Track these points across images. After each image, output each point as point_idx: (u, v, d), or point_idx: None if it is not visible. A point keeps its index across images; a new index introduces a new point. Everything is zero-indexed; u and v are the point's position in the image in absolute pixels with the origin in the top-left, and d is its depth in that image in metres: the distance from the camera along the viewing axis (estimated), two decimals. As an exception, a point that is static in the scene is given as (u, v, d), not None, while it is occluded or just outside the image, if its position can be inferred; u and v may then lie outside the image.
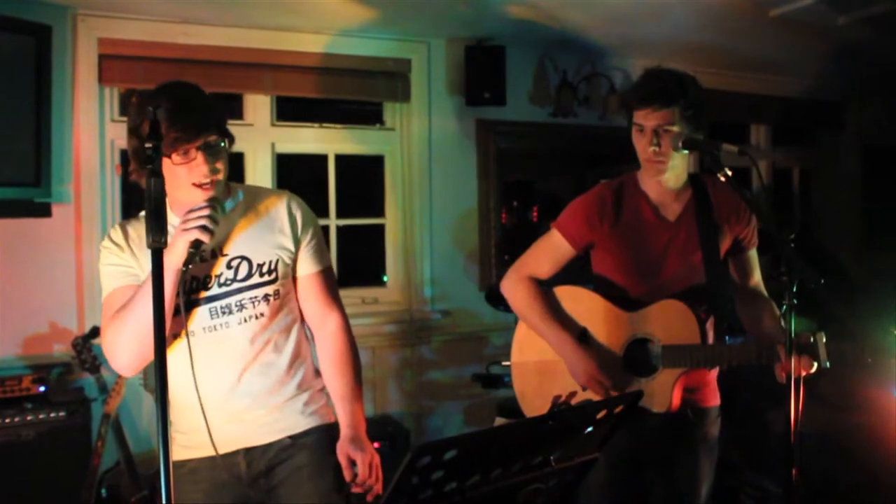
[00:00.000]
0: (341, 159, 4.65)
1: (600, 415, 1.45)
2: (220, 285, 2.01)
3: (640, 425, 2.38)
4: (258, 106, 4.39)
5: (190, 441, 2.07)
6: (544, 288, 2.59)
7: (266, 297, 2.05)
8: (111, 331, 1.92)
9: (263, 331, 2.05)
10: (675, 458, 2.46)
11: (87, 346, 3.58)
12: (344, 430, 2.12)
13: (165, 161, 1.82)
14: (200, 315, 2.00)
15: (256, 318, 2.03)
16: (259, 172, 4.38)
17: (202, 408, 1.99)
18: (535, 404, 2.58)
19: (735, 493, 3.85)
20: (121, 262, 2.00)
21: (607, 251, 2.50)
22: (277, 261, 2.07)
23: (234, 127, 4.80)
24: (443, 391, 4.73)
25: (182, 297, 1.90)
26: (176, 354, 1.99)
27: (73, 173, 3.86)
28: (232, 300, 2.01)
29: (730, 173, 2.12)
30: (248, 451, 2.07)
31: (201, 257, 1.98)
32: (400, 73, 4.59)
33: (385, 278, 4.79)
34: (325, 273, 2.20)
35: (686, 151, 2.32)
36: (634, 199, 2.49)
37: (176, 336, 1.99)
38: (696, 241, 2.41)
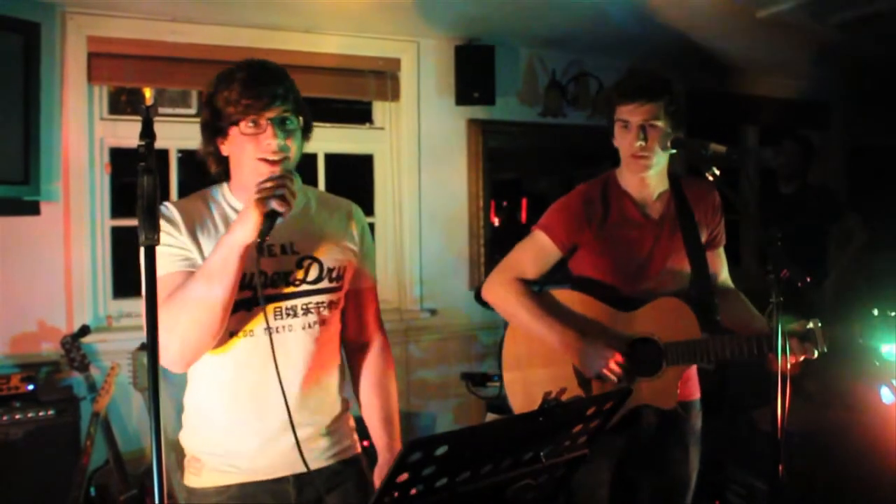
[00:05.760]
0: (330, 158, 4.65)
1: (590, 411, 1.46)
2: (287, 284, 1.85)
3: (638, 425, 2.42)
4: (248, 104, 4.38)
5: (230, 464, 1.87)
6: (534, 290, 2.57)
7: (331, 304, 1.92)
8: (165, 319, 1.61)
9: (324, 340, 1.92)
10: (669, 452, 2.50)
11: (75, 345, 3.57)
12: (384, 455, 2.00)
13: (233, 132, 1.79)
14: (265, 313, 1.79)
15: (321, 324, 1.90)
16: (248, 171, 4.36)
17: (255, 421, 1.83)
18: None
19: (721, 489, 3.88)
20: (175, 244, 1.79)
21: (594, 252, 2.48)
22: (345, 268, 1.96)
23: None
24: (432, 390, 4.74)
25: (259, 287, 1.73)
26: (227, 357, 1.83)
27: (62, 171, 3.85)
28: (298, 302, 1.86)
29: (717, 173, 2.14)
30: (299, 478, 1.88)
31: (270, 251, 1.84)
32: (389, 72, 4.60)
33: (374, 277, 4.78)
34: (375, 290, 2.13)
35: (674, 150, 2.34)
36: (619, 199, 2.49)
37: (232, 334, 1.81)
38: (680, 238, 2.44)
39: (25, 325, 3.79)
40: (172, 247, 1.79)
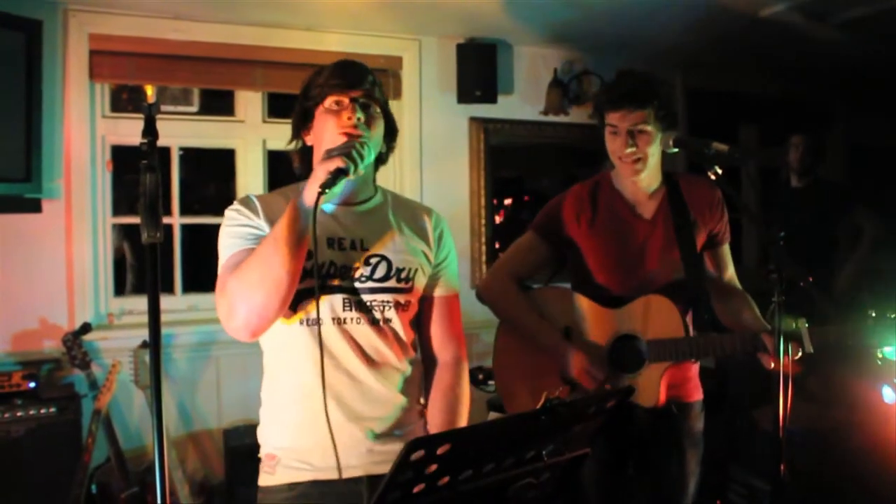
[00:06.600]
0: (332, 156, 4.64)
1: (592, 409, 1.46)
2: (354, 280, 1.87)
3: (627, 423, 2.41)
4: (249, 102, 4.39)
5: (303, 461, 1.84)
6: (524, 288, 2.60)
7: (398, 304, 1.90)
8: (233, 282, 1.73)
9: (387, 341, 1.89)
10: (662, 454, 2.48)
11: (77, 342, 3.58)
12: None
13: (318, 112, 1.87)
14: (333, 303, 1.84)
15: (383, 322, 1.88)
16: (250, 169, 4.37)
17: (326, 411, 1.76)
18: (523, 406, 2.59)
19: (723, 489, 3.88)
20: (253, 224, 1.86)
21: (585, 250, 2.51)
22: (416, 270, 1.95)
23: (224, 123, 4.78)
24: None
25: (316, 265, 1.77)
26: (293, 344, 1.84)
27: (64, 169, 3.86)
28: (364, 298, 1.87)
29: (720, 172, 2.14)
30: (373, 480, 1.82)
31: (340, 244, 1.88)
32: (391, 70, 4.59)
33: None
34: (456, 299, 2.10)
35: (677, 149, 2.34)
36: (610, 198, 2.51)
37: (301, 322, 1.83)
38: (673, 237, 2.45)
39: (27, 322, 3.79)
40: (247, 227, 1.86)
